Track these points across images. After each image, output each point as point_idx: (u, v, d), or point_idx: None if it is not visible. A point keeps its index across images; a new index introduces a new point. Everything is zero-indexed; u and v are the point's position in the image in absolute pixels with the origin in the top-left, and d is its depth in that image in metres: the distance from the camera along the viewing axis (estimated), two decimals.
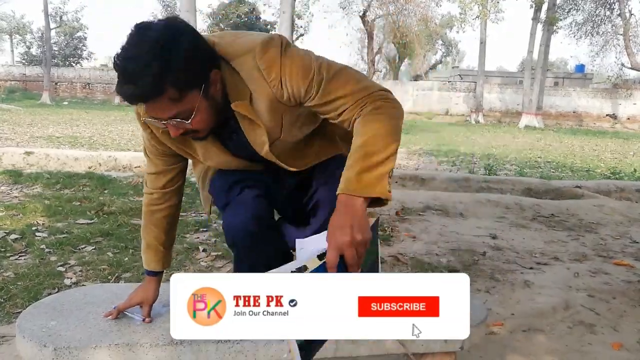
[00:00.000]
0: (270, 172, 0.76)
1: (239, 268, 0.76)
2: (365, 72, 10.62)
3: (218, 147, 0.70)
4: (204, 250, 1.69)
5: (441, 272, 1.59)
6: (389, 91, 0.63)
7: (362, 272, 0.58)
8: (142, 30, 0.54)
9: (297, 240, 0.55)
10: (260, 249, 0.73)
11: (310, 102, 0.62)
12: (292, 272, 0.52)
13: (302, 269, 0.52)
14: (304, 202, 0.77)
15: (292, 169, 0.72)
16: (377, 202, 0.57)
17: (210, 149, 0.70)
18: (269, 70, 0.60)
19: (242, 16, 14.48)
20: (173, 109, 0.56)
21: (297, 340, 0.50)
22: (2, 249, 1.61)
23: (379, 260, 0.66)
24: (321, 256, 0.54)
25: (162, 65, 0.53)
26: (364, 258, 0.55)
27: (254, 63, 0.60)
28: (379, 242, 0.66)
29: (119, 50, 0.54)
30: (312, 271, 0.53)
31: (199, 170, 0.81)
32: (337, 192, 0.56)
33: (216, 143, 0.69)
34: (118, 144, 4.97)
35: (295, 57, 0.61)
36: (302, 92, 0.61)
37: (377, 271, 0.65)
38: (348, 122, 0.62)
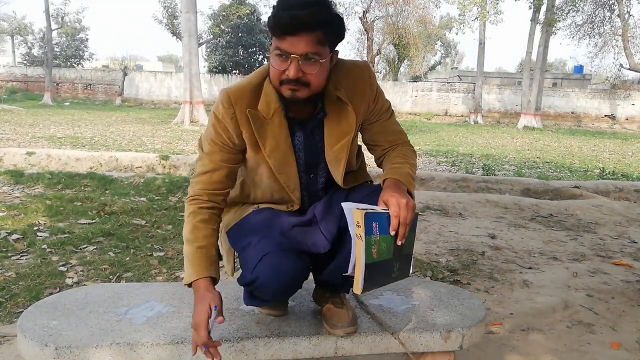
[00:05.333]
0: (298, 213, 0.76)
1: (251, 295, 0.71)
2: None
3: (289, 144, 0.72)
4: None
5: (440, 272, 1.59)
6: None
7: (404, 254, 0.68)
8: None
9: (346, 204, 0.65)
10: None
11: (379, 123, 0.77)
12: (369, 208, 0.63)
13: (374, 210, 0.64)
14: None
15: (339, 178, 0.75)
16: None
17: (282, 142, 0.71)
18: (374, 81, 0.75)
19: (243, 17, 14.51)
20: (314, 47, 0.63)
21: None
22: (4, 249, 1.62)
23: (412, 259, 0.73)
24: (385, 211, 0.65)
25: (327, 11, 0.63)
26: (409, 229, 0.66)
27: (363, 73, 0.74)
28: (415, 237, 0.71)
29: None
30: (381, 213, 0.63)
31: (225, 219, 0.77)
32: (392, 176, 0.71)
33: (288, 139, 0.72)
34: (119, 145, 4.97)
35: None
36: (383, 111, 0.77)
37: (409, 266, 0.71)
38: (386, 152, 0.79)
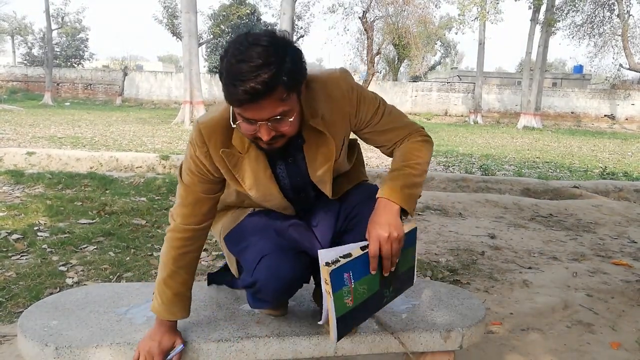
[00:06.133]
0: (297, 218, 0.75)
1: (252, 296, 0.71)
2: (364, 73, 10.62)
3: (269, 175, 0.69)
4: (204, 250, 1.69)
5: (440, 271, 1.59)
6: (423, 128, 0.78)
7: (399, 274, 0.69)
8: (251, 38, 0.58)
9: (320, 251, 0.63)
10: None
11: (371, 128, 0.73)
12: (339, 257, 0.62)
13: (347, 256, 0.63)
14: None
15: (328, 194, 0.73)
16: (403, 212, 0.68)
17: (261, 176, 0.68)
18: (350, 91, 0.69)
19: (243, 17, 14.51)
20: (279, 108, 0.59)
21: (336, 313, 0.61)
22: (4, 249, 1.62)
23: (415, 269, 0.73)
24: (363, 247, 0.64)
25: (277, 65, 0.57)
26: (398, 257, 0.65)
27: (337, 84, 0.68)
28: (416, 252, 0.72)
29: (229, 55, 0.57)
30: (355, 258, 0.63)
31: (218, 227, 0.78)
32: (377, 196, 0.67)
33: (267, 170, 0.69)
34: (120, 145, 4.96)
35: (363, 87, 0.72)
36: (368, 118, 0.72)
37: (412, 277, 0.73)
38: (392, 149, 0.75)
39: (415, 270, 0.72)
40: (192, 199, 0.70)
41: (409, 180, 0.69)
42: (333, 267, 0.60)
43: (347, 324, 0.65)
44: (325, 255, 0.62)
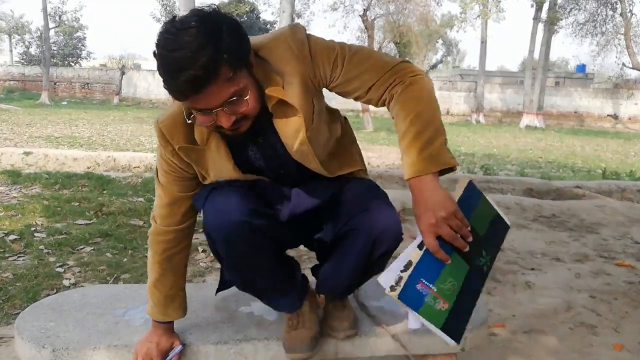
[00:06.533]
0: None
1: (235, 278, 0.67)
2: None
3: (232, 166, 0.63)
4: (203, 251, 1.68)
5: None
6: (408, 61, 0.65)
7: (482, 235, 0.59)
8: (179, 23, 0.52)
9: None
10: (258, 250, 0.62)
11: (335, 82, 0.63)
12: (400, 273, 0.54)
13: (407, 266, 0.54)
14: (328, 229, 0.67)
15: (319, 170, 0.66)
16: (444, 171, 0.57)
17: (223, 167, 0.63)
18: (301, 47, 0.60)
19: (242, 15, 14.49)
20: (230, 89, 0.53)
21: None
22: (1, 250, 1.61)
23: (503, 216, 0.62)
24: (420, 245, 0.55)
25: (214, 45, 0.51)
26: (468, 226, 0.56)
27: (285, 45, 0.60)
28: (489, 200, 0.61)
29: (160, 47, 0.51)
30: (417, 263, 0.54)
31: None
32: (405, 178, 0.58)
33: (230, 162, 0.63)
34: (117, 144, 4.96)
35: (319, 39, 0.63)
36: (328, 71, 0.62)
37: (503, 223, 0.62)
38: (377, 100, 0.63)
39: (502, 214, 0.61)
40: (169, 199, 0.67)
41: (421, 140, 0.56)
42: (398, 289, 0.52)
43: (459, 322, 0.56)
44: (386, 280, 0.53)
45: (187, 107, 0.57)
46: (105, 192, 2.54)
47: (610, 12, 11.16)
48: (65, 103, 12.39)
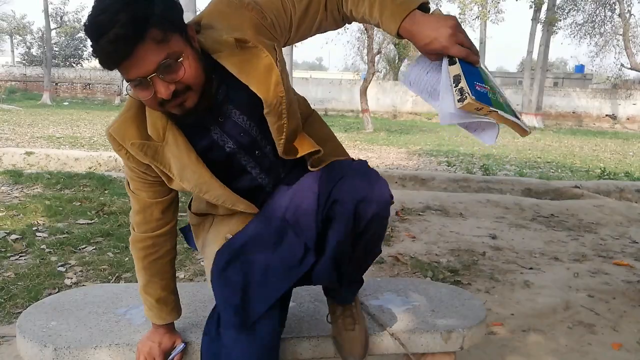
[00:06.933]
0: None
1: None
2: (365, 73, 10.62)
3: (194, 158, 0.58)
4: None
5: (441, 272, 1.58)
6: None
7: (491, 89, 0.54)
8: None
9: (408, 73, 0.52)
10: None
11: (295, 22, 0.59)
12: (454, 87, 0.50)
13: (457, 78, 0.50)
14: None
15: (299, 129, 0.60)
16: (423, 8, 0.55)
17: (185, 160, 0.58)
18: (241, 1, 0.57)
19: None
20: (161, 52, 0.50)
21: None
22: (3, 249, 1.61)
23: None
24: (450, 62, 0.52)
25: (138, 5, 0.48)
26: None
27: (223, 6, 0.58)
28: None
29: (89, 15, 0.49)
30: (463, 71, 0.51)
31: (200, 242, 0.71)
32: (394, 32, 0.54)
33: (192, 153, 0.58)
34: None
35: None
36: (281, 12, 0.58)
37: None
38: (336, 12, 0.60)
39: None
40: (140, 205, 0.65)
41: None
42: (468, 96, 0.47)
43: (516, 113, 0.54)
44: (448, 104, 0.49)
45: (124, 82, 0.55)
46: (106, 192, 2.55)
47: (609, 13, 11.20)
48: (66, 103, 12.41)
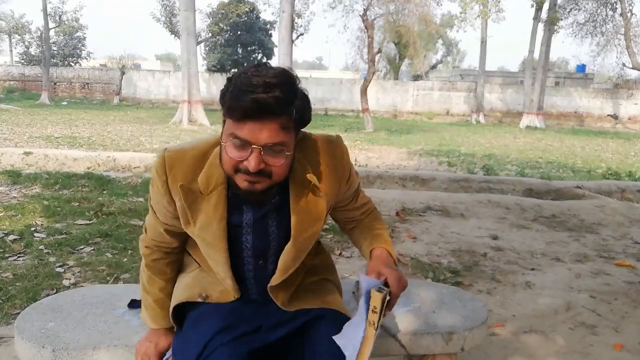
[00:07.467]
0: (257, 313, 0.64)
1: None
2: (365, 72, 10.61)
3: (222, 227, 0.61)
4: None
5: (442, 273, 1.58)
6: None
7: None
8: (264, 67, 0.56)
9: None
10: None
11: (346, 207, 0.73)
12: (384, 293, 0.56)
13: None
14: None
15: (291, 268, 0.64)
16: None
17: (214, 225, 0.61)
18: (347, 156, 0.68)
19: (242, 15, 14.48)
20: (280, 136, 0.55)
21: None
22: (1, 250, 1.61)
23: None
24: (380, 289, 0.58)
25: (290, 92, 0.55)
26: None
27: (336, 144, 0.67)
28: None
29: (241, 72, 0.55)
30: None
31: None
32: (378, 245, 0.69)
33: (222, 222, 0.61)
34: (117, 144, 4.96)
35: (351, 161, 0.71)
36: (351, 193, 0.72)
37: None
38: (355, 222, 0.75)
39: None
40: (153, 221, 0.68)
41: (388, 240, 0.71)
42: (384, 294, 0.53)
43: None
44: (368, 281, 0.56)
45: (229, 133, 0.56)
46: (105, 192, 2.55)
47: (610, 12, 11.16)
48: (65, 103, 12.41)
